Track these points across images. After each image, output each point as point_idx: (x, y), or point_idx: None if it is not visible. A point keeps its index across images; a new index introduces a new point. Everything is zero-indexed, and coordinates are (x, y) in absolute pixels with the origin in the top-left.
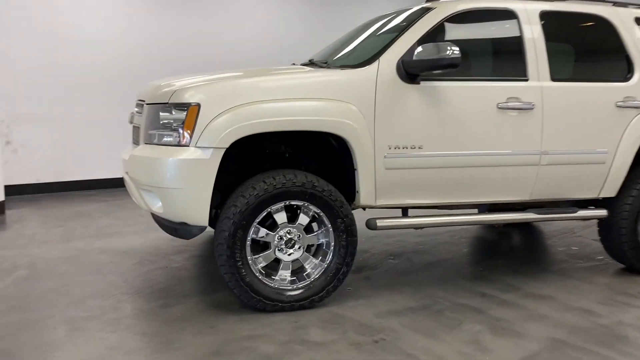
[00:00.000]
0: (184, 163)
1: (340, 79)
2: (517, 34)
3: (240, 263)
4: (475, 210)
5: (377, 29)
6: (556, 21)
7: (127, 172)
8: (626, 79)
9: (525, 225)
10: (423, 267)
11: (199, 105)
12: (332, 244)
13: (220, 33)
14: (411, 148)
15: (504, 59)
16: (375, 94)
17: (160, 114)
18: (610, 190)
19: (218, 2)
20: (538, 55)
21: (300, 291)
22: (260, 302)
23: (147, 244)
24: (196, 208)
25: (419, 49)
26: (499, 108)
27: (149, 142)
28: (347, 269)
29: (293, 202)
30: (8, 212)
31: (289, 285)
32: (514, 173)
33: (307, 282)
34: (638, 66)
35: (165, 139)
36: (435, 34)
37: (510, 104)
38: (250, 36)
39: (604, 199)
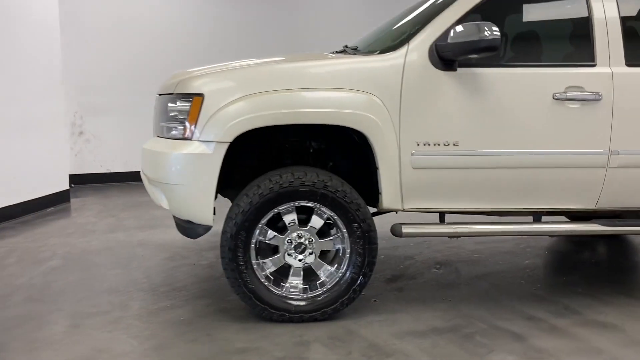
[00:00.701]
0: (185, 157)
1: (360, 67)
2: (583, 9)
3: (243, 267)
4: (529, 218)
5: (423, 9)
6: None
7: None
8: None
9: (612, 236)
10: (468, 280)
11: (202, 95)
12: (348, 251)
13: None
14: (444, 145)
15: (566, 40)
16: (401, 83)
17: (168, 105)
18: None
19: None
20: (611, 34)
21: (310, 302)
22: (265, 310)
23: (187, 238)
24: (199, 206)
25: (453, 30)
26: (556, 99)
27: (160, 134)
28: (365, 280)
29: (303, 203)
30: (73, 200)
31: (298, 294)
32: (574, 176)
33: (319, 291)
34: None
35: (172, 132)
36: (479, 14)
37: (570, 94)
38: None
39: None
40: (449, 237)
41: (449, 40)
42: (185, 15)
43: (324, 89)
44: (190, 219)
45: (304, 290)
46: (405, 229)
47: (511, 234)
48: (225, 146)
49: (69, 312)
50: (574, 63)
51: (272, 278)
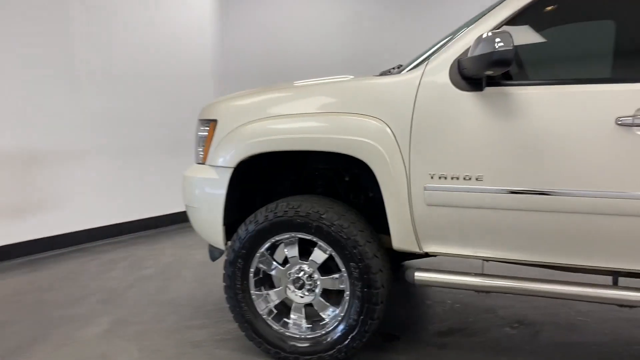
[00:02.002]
0: (195, 181)
1: (368, 88)
2: None
3: (240, 296)
4: (605, 278)
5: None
6: None
7: None
8: None
9: None
10: (540, 348)
11: (216, 121)
12: (347, 292)
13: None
14: (464, 179)
15: (634, 50)
16: (413, 107)
17: (198, 130)
18: None
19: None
20: None
21: (307, 344)
22: (261, 345)
23: None
24: (212, 229)
25: (475, 43)
26: (619, 125)
27: (196, 160)
28: (365, 329)
29: (299, 235)
30: None
31: (297, 332)
32: None
33: (319, 333)
34: None
35: (198, 156)
36: (521, 24)
37: None
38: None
39: None
40: (474, 290)
41: (468, 55)
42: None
43: (325, 114)
44: (208, 242)
45: (305, 330)
46: (418, 275)
47: (559, 297)
48: (229, 171)
49: (116, 318)
50: None
51: (274, 311)
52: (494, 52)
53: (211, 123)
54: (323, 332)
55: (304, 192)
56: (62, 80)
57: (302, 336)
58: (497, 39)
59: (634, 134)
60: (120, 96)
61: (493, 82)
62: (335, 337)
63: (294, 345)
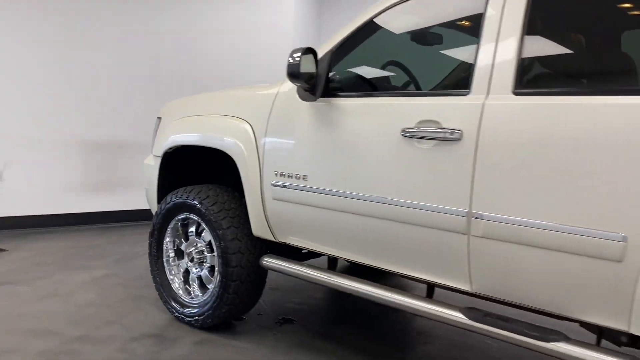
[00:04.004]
0: (145, 167)
1: (247, 95)
2: (476, 22)
3: (154, 263)
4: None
5: None
6: None
7: None
8: None
9: None
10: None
11: (160, 119)
12: (217, 268)
13: None
14: (295, 178)
15: (445, 61)
16: (270, 112)
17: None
18: None
19: None
20: (501, 49)
21: (190, 308)
22: (167, 304)
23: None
24: (152, 205)
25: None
26: (404, 136)
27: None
28: (224, 301)
29: (190, 216)
30: None
31: (185, 297)
32: (430, 240)
33: (196, 301)
34: None
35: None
36: (357, 43)
37: (422, 131)
38: None
39: None
40: (307, 281)
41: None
42: None
43: (213, 115)
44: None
45: (191, 297)
46: (266, 261)
47: (369, 297)
48: (159, 159)
49: (110, 272)
50: (439, 91)
51: (181, 279)
52: (286, 66)
53: (158, 120)
54: (199, 301)
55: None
56: (149, 82)
57: (189, 302)
58: (291, 57)
59: (414, 145)
60: None
61: (327, 94)
62: (205, 305)
63: (184, 308)
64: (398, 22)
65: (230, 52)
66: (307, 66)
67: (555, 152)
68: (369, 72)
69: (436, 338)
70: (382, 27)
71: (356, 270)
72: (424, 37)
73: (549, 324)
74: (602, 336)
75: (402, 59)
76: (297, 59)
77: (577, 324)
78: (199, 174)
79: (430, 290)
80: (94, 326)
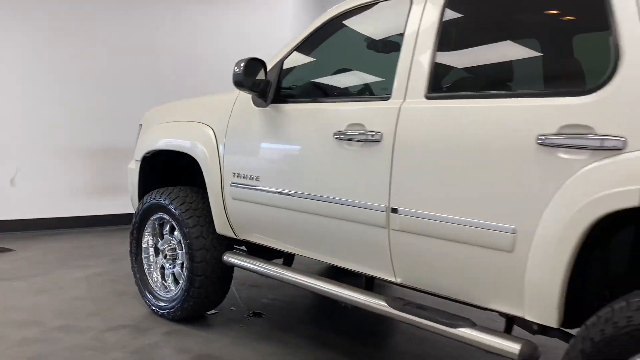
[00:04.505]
0: (128, 171)
1: (212, 101)
2: (399, 32)
3: (134, 259)
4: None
5: None
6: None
7: None
8: (588, 88)
9: None
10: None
11: (141, 125)
12: (185, 265)
13: None
14: (249, 178)
15: (374, 69)
16: (229, 117)
17: None
18: (541, 308)
19: None
20: (417, 58)
21: (163, 302)
22: (144, 297)
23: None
24: (135, 207)
25: None
26: (336, 138)
27: None
28: (190, 294)
29: (163, 215)
30: None
31: (160, 291)
32: (356, 234)
33: (168, 296)
34: (627, 62)
35: None
36: (315, 43)
37: (350, 133)
38: None
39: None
40: (265, 276)
41: None
42: None
43: (182, 121)
44: None
45: (164, 292)
46: (227, 257)
47: (311, 289)
48: (139, 163)
49: (103, 270)
50: (366, 97)
51: (158, 274)
52: (232, 75)
53: (140, 127)
54: (171, 295)
55: None
56: (149, 89)
57: (162, 296)
58: (237, 66)
59: (344, 147)
60: None
61: (278, 100)
62: (175, 299)
63: (159, 301)
64: (337, 34)
65: (229, 57)
66: (253, 75)
67: (456, 151)
68: (314, 79)
69: (398, 333)
70: (325, 38)
71: (337, 273)
72: (362, 46)
73: (475, 314)
74: (514, 324)
75: (343, 66)
76: (241, 68)
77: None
78: (181, 176)
79: (369, 283)
80: (76, 317)
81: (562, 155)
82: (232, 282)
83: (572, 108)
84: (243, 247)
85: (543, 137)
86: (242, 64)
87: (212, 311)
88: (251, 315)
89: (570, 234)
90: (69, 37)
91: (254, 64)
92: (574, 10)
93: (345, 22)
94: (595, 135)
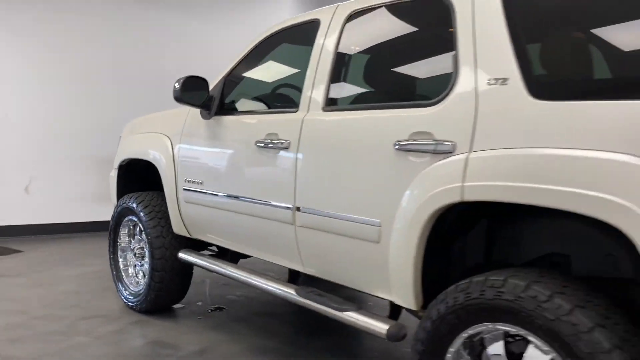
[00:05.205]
0: (109, 178)
1: (171, 114)
2: (309, 52)
3: (111, 257)
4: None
5: None
6: (369, 21)
7: None
8: (432, 101)
9: None
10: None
11: (120, 137)
12: (148, 262)
13: None
14: (196, 183)
15: (293, 85)
16: (183, 128)
17: None
18: (403, 293)
19: None
20: (319, 76)
21: (131, 295)
22: (118, 289)
23: None
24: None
25: None
26: (258, 146)
27: None
28: (152, 288)
29: (132, 217)
30: None
31: (131, 286)
32: (272, 229)
33: (136, 290)
34: (465, 75)
35: None
36: (251, 62)
37: (267, 141)
38: None
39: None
40: (215, 272)
41: None
42: None
43: (148, 133)
44: None
45: (133, 285)
46: (182, 254)
47: (242, 281)
48: (116, 171)
49: (98, 269)
50: (282, 110)
51: (132, 271)
52: (172, 91)
53: (119, 138)
54: (138, 289)
55: None
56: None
57: (132, 290)
58: (177, 83)
59: (263, 154)
60: None
61: (222, 113)
62: (141, 293)
63: (130, 295)
64: (269, 54)
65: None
66: (192, 90)
67: (339, 155)
68: (247, 93)
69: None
70: (259, 58)
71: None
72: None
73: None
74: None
75: (271, 82)
76: (180, 85)
77: None
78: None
79: (293, 276)
80: (58, 308)
81: (412, 158)
82: (208, 280)
83: (419, 118)
84: (214, 247)
85: (398, 143)
86: (181, 81)
87: (180, 305)
88: (213, 309)
89: (415, 226)
90: (77, 52)
91: (194, 81)
92: (429, 37)
93: (273, 43)
94: (434, 140)
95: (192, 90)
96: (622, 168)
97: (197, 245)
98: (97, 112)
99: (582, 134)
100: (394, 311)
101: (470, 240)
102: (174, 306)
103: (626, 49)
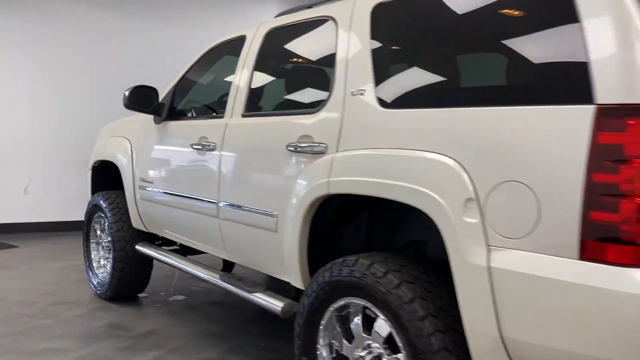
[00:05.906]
0: (86, 177)
1: (132, 119)
2: (234, 66)
3: (85, 250)
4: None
5: None
6: (280, 38)
7: None
8: (315, 109)
9: None
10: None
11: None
12: (111, 254)
13: None
14: (148, 182)
15: (225, 94)
16: (140, 132)
17: None
18: (293, 274)
19: None
20: (240, 85)
21: (101, 284)
22: (90, 278)
23: None
24: None
25: None
26: (193, 148)
27: None
28: (115, 277)
29: (100, 214)
30: None
31: (100, 276)
32: (202, 222)
33: (104, 280)
34: (338, 87)
35: None
36: (199, 72)
37: (199, 144)
38: None
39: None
40: (173, 267)
41: None
42: None
43: (114, 137)
44: None
45: (103, 275)
46: (140, 246)
47: (183, 270)
48: (90, 171)
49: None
50: (213, 115)
51: (102, 261)
52: (122, 98)
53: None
54: (106, 279)
55: None
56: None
57: (101, 279)
58: (127, 91)
59: (196, 155)
60: None
61: (172, 118)
62: (105, 282)
63: (97, 284)
64: (212, 66)
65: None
66: (142, 98)
67: (248, 155)
68: (191, 101)
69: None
70: (203, 69)
71: None
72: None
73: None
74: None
75: (211, 91)
76: (128, 94)
77: None
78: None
79: (229, 265)
80: (34, 296)
81: (298, 157)
82: (178, 272)
83: (304, 124)
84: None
85: (289, 145)
86: (129, 90)
87: (144, 294)
88: (174, 299)
89: (298, 216)
90: (78, 57)
91: (142, 90)
92: (319, 52)
93: (216, 55)
94: (313, 142)
95: (141, 98)
96: (431, 164)
97: (162, 240)
98: (94, 115)
99: (408, 137)
100: (298, 293)
101: (355, 229)
102: (139, 295)
103: (446, 70)
